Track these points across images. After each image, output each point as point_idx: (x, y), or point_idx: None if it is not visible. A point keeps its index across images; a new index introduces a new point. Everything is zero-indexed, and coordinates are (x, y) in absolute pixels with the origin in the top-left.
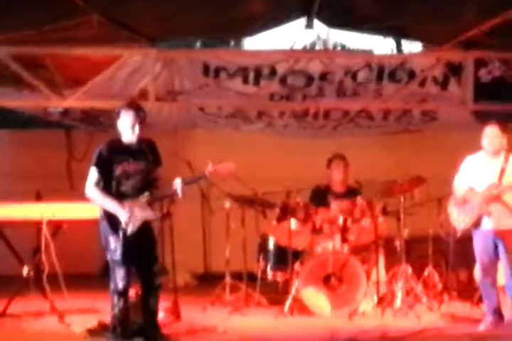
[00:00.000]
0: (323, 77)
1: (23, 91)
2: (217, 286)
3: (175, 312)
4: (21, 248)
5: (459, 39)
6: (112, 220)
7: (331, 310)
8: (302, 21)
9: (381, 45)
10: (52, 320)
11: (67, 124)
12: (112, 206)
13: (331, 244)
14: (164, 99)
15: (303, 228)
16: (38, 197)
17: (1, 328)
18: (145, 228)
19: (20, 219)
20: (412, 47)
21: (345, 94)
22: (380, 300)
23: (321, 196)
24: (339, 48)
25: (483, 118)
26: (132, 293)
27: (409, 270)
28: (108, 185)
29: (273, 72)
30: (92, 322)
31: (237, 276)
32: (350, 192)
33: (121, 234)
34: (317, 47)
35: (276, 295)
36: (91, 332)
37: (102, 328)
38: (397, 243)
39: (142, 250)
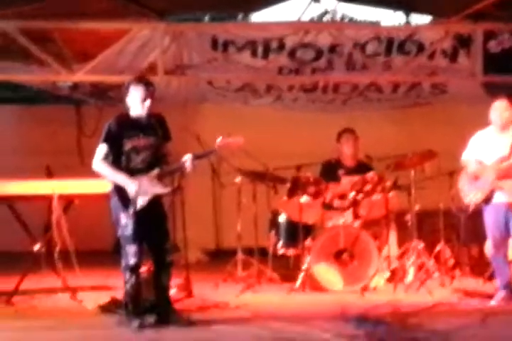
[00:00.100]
0: (332, 49)
1: (31, 65)
2: (229, 262)
3: (187, 288)
4: (33, 224)
5: (467, 11)
6: (122, 196)
7: (342, 285)
8: None
9: (390, 19)
10: (65, 296)
11: (77, 99)
12: (121, 178)
13: (342, 219)
14: (173, 73)
15: (314, 202)
16: (49, 174)
17: (13, 305)
18: (155, 203)
19: (31, 194)
20: (421, 20)
21: (354, 67)
22: (392, 276)
23: (331, 170)
24: (347, 21)
25: (493, 90)
26: (144, 269)
27: (421, 245)
28: (118, 161)
29: (282, 45)
30: (104, 298)
31: (248, 252)
32: (361, 167)
33: (131, 209)
34: (325, 20)
35: (287, 270)
36: (103, 308)
37: (114, 305)
38: (408, 217)
39: (153, 225)
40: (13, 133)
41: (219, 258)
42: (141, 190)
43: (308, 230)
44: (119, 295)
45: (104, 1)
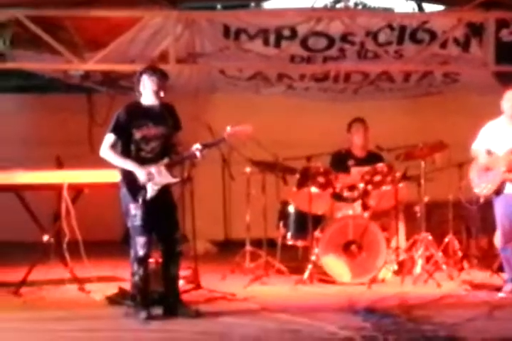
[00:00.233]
0: (344, 38)
1: (43, 54)
2: (237, 254)
3: (195, 280)
4: (42, 215)
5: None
6: (131, 186)
7: (350, 277)
8: None
9: (402, 8)
10: (73, 287)
11: (88, 88)
12: (129, 165)
13: (351, 211)
14: (185, 62)
15: (323, 193)
16: (59, 164)
17: (22, 296)
18: (164, 193)
19: (41, 183)
20: (433, 9)
21: (366, 56)
22: (400, 268)
23: (341, 161)
24: (360, 7)
25: (505, 80)
26: (152, 260)
27: (430, 237)
28: (127, 150)
29: (294, 33)
30: (112, 289)
31: (257, 243)
32: (371, 157)
33: (140, 199)
34: (338, 7)
35: (296, 262)
36: (111, 299)
37: (122, 296)
38: (417, 209)
39: (162, 215)
40: (24, 122)
41: (227, 249)
42: (152, 179)
43: (318, 221)
44: (127, 286)
45: None
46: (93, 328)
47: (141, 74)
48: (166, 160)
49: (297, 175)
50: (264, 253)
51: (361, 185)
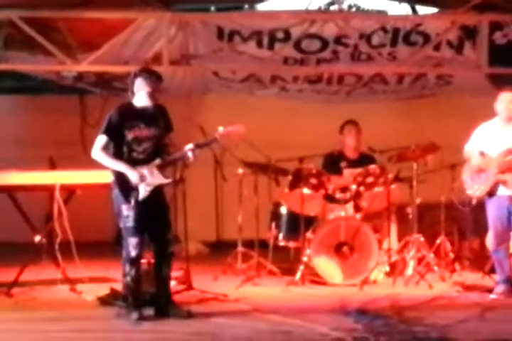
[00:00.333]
0: (338, 40)
1: (37, 55)
2: (229, 255)
3: (186, 280)
4: (34, 215)
5: (473, 2)
6: (123, 187)
7: (342, 278)
8: None
9: (395, 11)
10: (64, 288)
11: (81, 89)
12: (121, 166)
13: (343, 212)
14: (178, 63)
15: (315, 194)
16: (52, 165)
17: (13, 297)
18: (157, 193)
19: (33, 184)
20: (426, 11)
21: (359, 58)
22: (392, 269)
23: (334, 162)
24: (354, 9)
25: (498, 82)
26: (144, 261)
27: (421, 238)
28: (119, 151)
29: (287, 35)
30: (104, 290)
31: (249, 244)
32: (364, 159)
33: (133, 200)
34: (332, 9)
35: (287, 263)
36: (103, 300)
37: (113, 297)
38: (409, 210)
39: (155, 216)
40: (17, 123)
41: (219, 250)
42: (144, 181)
43: (310, 222)
44: (119, 287)
45: None
46: (85, 329)
47: (135, 75)
48: (158, 161)
49: (289, 177)
50: (256, 254)
51: (353, 187)
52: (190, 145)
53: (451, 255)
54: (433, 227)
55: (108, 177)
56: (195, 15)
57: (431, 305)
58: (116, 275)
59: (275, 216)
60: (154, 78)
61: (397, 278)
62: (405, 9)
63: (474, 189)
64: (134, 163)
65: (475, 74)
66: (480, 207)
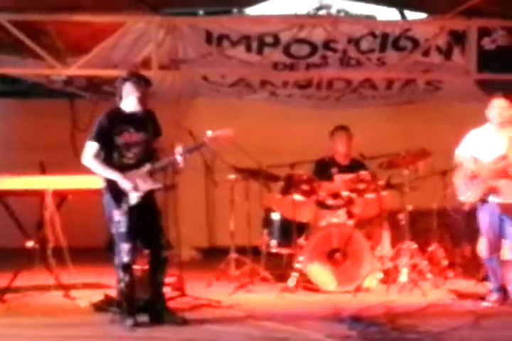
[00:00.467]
0: (327, 45)
1: (26, 59)
2: (222, 261)
3: (180, 287)
4: (26, 221)
5: (462, 7)
6: (115, 193)
7: (335, 285)
8: None
9: (384, 15)
10: (58, 294)
11: (71, 93)
12: (115, 175)
13: (335, 219)
14: (167, 68)
15: (307, 200)
16: (43, 170)
17: (6, 302)
18: (148, 199)
19: (25, 189)
20: (415, 17)
21: (348, 63)
22: (385, 276)
23: (325, 169)
24: (342, 14)
25: (487, 88)
26: (138, 268)
27: (414, 245)
28: (109, 156)
29: (276, 40)
30: (97, 296)
31: (241, 250)
32: (354, 165)
33: (125, 206)
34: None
35: (280, 270)
36: (96, 306)
37: (107, 303)
38: (401, 217)
39: (147, 221)
40: (6, 127)
41: (212, 256)
42: (133, 186)
43: (302, 229)
44: (113, 292)
45: None
46: (78, 335)
47: (124, 80)
48: (148, 166)
49: (281, 183)
50: (249, 260)
51: (345, 193)
52: (179, 149)
53: (444, 262)
54: (425, 234)
55: (99, 183)
56: (183, 19)
57: (425, 312)
58: (109, 281)
59: (267, 222)
60: (143, 83)
61: (390, 286)
62: (394, 14)
63: (467, 195)
64: (124, 168)
65: (464, 79)
66: (471, 213)
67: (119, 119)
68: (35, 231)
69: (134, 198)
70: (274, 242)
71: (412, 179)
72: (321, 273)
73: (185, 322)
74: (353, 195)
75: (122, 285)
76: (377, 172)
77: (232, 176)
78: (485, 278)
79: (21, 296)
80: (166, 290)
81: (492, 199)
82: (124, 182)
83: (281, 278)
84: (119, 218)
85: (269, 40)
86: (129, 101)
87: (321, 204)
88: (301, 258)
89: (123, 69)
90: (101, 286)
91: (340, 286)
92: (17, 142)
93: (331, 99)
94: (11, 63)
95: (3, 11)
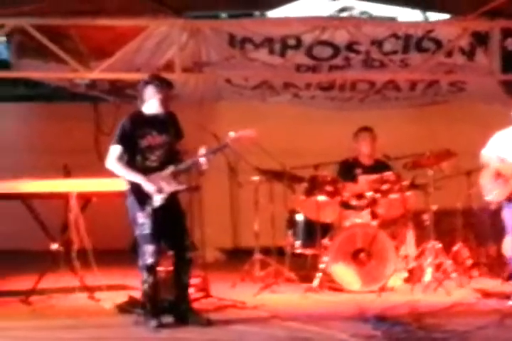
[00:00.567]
0: (350, 47)
1: (50, 63)
2: (247, 262)
3: (204, 288)
4: (50, 223)
5: (484, 8)
6: (138, 195)
7: (360, 285)
8: None
9: (407, 17)
10: (82, 296)
11: (94, 96)
12: (138, 178)
13: (359, 219)
14: (190, 71)
15: (331, 201)
16: (67, 173)
17: (31, 305)
18: (172, 201)
19: (49, 192)
20: (438, 18)
21: (371, 65)
22: (410, 276)
23: (349, 169)
24: (365, 16)
25: (511, 88)
26: (162, 269)
27: (439, 245)
28: (133, 159)
29: (299, 42)
30: (121, 298)
31: (265, 251)
32: (379, 166)
33: (149, 208)
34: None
35: (305, 270)
36: (121, 308)
37: (131, 304)
38: (426, 217)
39: (171, 223)
40: (30, 131)
41: (236, 257)
42: (157, 188)
43: (326, 229)
44: (137, 294)
45: None
46: (103, 337)
47: (146, 83)
48: (171, 169)
49: (305, 184)
50: (274, 261)
51: (369, 194)
52: (202, 151)
53: (469, 261)
54: (450, 234)
55: (123, 185)
56: (206, 22)
57: (450, 311)
58: (134, 283)
59: (291, 223)
60: (165, 85)
61: (415, 285)
62: (417, 16)
63: (493, 194)
64: (147, 171)
65: (487, 80)
66: (497, 212)
67: (141, 122)
68: (60, 233)
69: (157, 200)
70: (298, 243)
71: (437, 179)
72: (345, 273)
73: (209, 323)
74: (377, 196)
75: (146, 286)
76: (401, 172)
77: (256, 178)
78: (510, 277)
79: (46, 298)
80: (191, 291)
81: None
82: (147, 185)
83: (306, 278)
84: (142, 220)
85: (291, 42)
86: (151, 104)
87: (345, 205)
88: (325, 258)
89: (146, 73)
90: (125, 288)
91: (364, 286)
92: (41, 146)
93: (355, 101)
94: (34, 67)
95: (27, 16)
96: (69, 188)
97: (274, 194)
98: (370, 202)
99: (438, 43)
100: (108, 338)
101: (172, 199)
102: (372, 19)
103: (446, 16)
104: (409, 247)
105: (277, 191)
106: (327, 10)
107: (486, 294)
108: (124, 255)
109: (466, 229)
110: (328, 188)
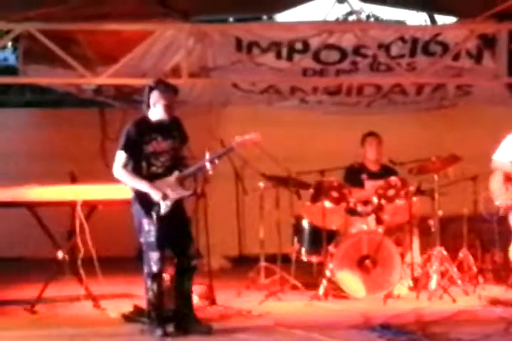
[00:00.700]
0: (357, 51)
1: (56, 68)
2: (252, 269)
3: (209, 296)
4: (56, 231)
5: (491, 11)
6: (144, 202)
7: (365, 293)
8: None
9: (414, 20)
10: (88, 304)
11: (101, 102)
12: (144, 186)
13: (365, 225)
14: (197, 76)
15: (337, 207)
16: (73, 179)
17: (36, 313)
18: (177, 207)
19: (55, 200)
20: (445, 21)
21: (378, 68)
22: (415, 283)
23: (355, 175)
24: (372, 20)
25: None
26: (167, 277)
27: (444, 252)
28: (138, 166)
29: (306, 46)
30: (127, 306)
31: (271, 259)
32: (385, 171)
33: (154, 215)
34: (350, 19)
35: (310, 277)
36: (126, 317)
37: (137, 313)
38: (431, 223)
39: (176, 230)
40: (36, 137)
41: (242, 264)
42: (163, 196)
43: (332, 236)
44: (142, 303)
45: (127, 2)
46: None
47: (151, 88)
48: (176, 175)
49: (311, 190)
50: (279, 269)
51: (375, 199)
52: (207, 156)
53: (475, 268)
54: (455, 240)
55: (129, 192)
56: (213, 26)
57: (455, 319)
58: (139, 291)
59: (297, 230)
60: (170, 91)
61: (420, 292)
62: (424, 19)
63: (504, 198)
64: (152, 177)
65: (494, 84)
66: (502, 218)
67: (146, 128)
68: (65, 241)
69: (163, 207)
70: (304, 250)
71: (443, 184)
72: (350, 281)
73: (212, 331)
74: (383, 202)
75: (150, 294)
76: (407, 178)
77: (261, 184)
78: None
79: (51, 307)
80: (196, 300)
81: None
82: (153, 192)
83: (311, 286)
84: (148, 227)
85: (298, 46)
86: (156, 110)
87: (351, 211)
88: (331, 265)
89: (153, 78)
90: (131, 296)
91: (370, 293)
92: (47, 152)
93: (362, 105)
94: (40, 73)
95: (33, 21)
96: (75, 195)
97: (279, 200)
98: (376, 208)
99: (445, 47)
100: None
101: (177, 206)
102: (379, 23)
103: (453, 19)
104: (414, 254)
105: (283, 197)
106: (334, 13)
107: (492, 301)
108: (130, 263)
109: (471, 235)
110: (334, 194)
